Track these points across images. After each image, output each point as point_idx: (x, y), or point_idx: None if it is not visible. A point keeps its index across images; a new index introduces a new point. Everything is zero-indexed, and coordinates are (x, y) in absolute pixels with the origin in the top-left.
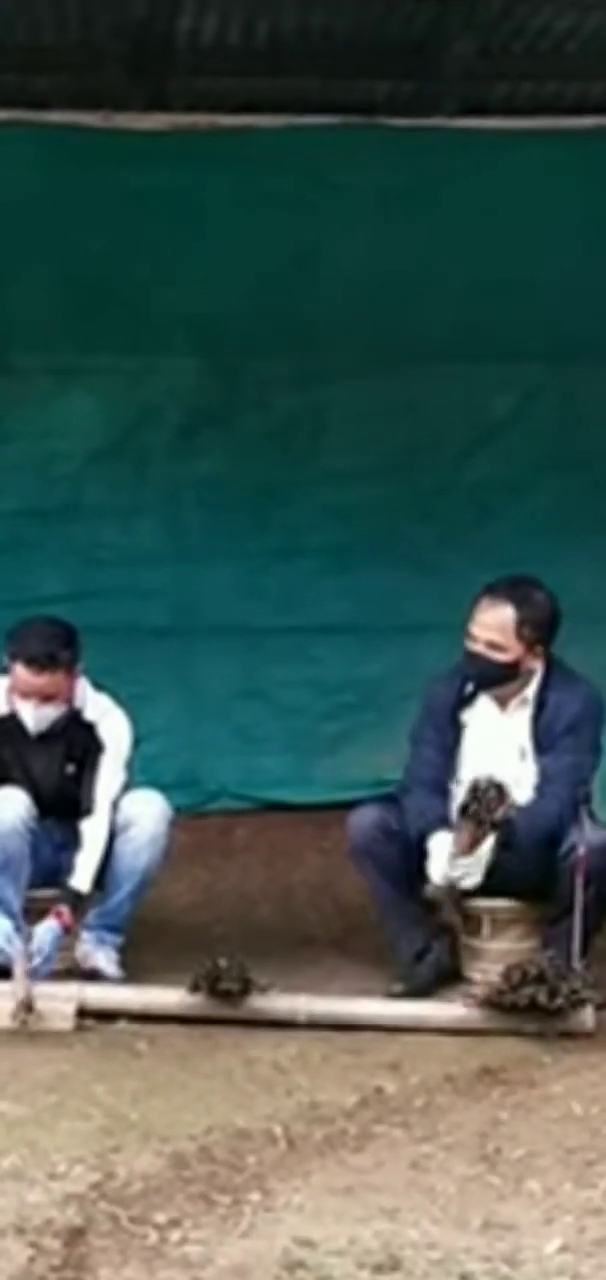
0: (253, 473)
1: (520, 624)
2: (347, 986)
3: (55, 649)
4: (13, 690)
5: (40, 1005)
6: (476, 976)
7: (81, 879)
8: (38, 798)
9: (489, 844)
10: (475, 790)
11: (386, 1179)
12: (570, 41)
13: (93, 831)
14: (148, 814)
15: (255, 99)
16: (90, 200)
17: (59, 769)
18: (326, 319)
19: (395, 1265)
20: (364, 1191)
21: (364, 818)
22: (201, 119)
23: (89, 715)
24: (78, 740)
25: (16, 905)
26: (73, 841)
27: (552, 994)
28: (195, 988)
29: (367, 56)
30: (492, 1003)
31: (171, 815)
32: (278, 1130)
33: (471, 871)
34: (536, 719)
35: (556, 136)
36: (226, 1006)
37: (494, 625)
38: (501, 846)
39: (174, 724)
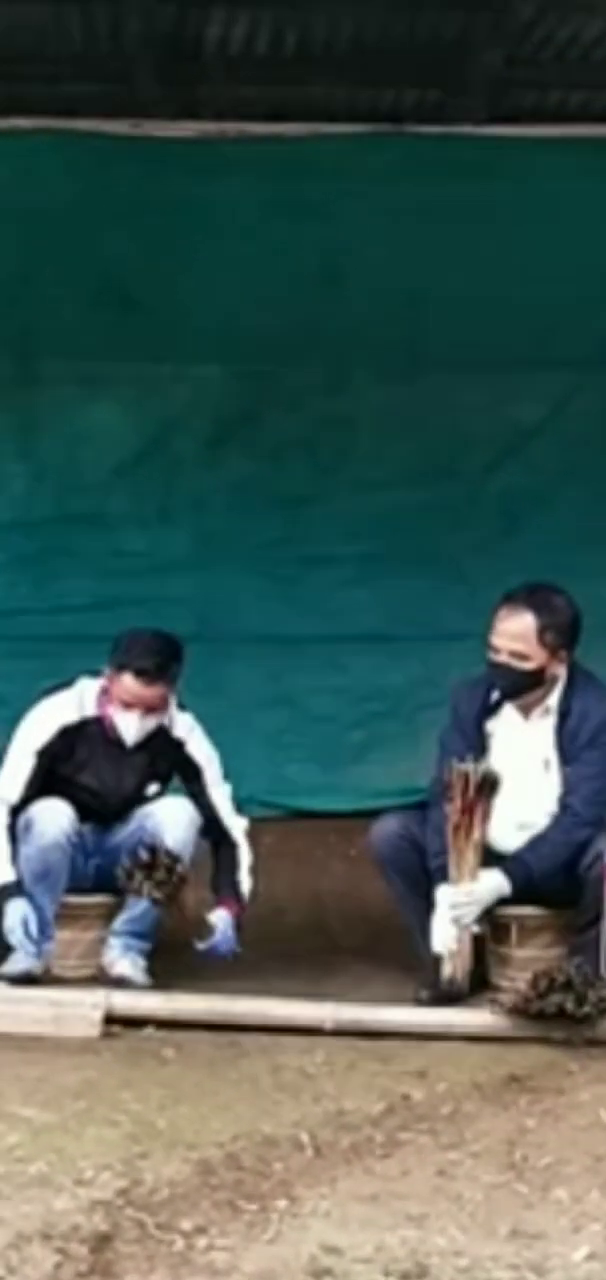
0: (280, 481)
1: (542, 630)
2: (374, 994)
3: (165, 660)
4: (113, 699)
5: (66, 1012)
6: (504, 984)
7: (246, 887)
8: (99, 803)
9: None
10: None
11: (413, 1186)
12: (598, 49)
13: (244, 856)
14: (174, 822)
15: (283, 107)
16: (118, 208)
17: (136, 781)
18: (355, 327)
19: (422, 1273)
20: (391, 1199)
21: (386, 827)
22: (230, 127)
23: (177, 733)
24: (164, 756)
25: (50, 914)
26: (103, 849)
27: (580, 1001)
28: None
29: (395, 64)
30: (520, 1010)
31: (199, 823)
32: (304, 1137)
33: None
34: (560, 728)
35: (584, 145)
36: (255, 1012)
37: (516, 634)
38: (526, 888)
39: None
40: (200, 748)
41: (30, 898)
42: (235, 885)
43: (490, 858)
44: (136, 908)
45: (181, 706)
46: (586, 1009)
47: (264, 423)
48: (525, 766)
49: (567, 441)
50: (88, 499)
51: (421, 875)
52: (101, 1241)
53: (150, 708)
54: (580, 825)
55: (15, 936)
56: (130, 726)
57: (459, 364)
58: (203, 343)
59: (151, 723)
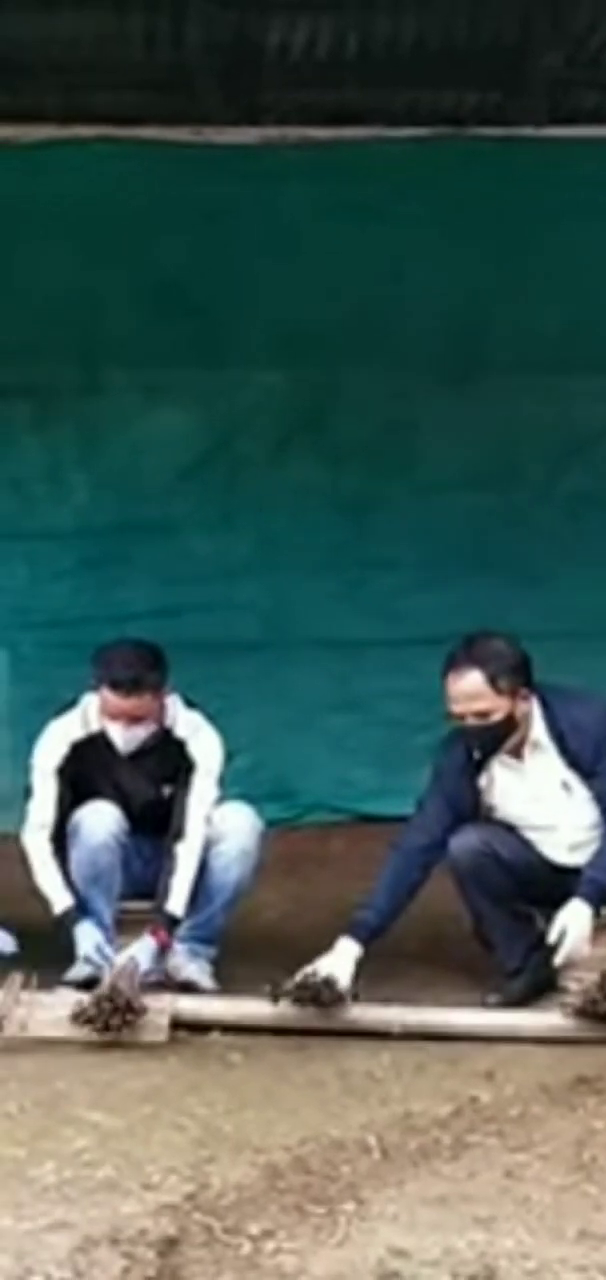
0: (345, 484)
1: (492, 679)
2: (440, 997)
3: (141, 672)
4: (102, 711)
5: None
6: (571, 985)
7: (176, 903)
8: (128, 813)
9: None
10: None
11: (481, 1188)
12: None
13: (186, 854)
14: (238, 827)
15: (344, 111)
16: (181, 215)
17: (150, 787)
18: (418, 330)
19: (490, 1275)
20: (458, 1201)
21: (468, 840)
22: (291, 132)
23: (180, 733)
24: (169, 758)
25: (108, 918)
26: (161, 856)
27: None
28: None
29: (456, 67)
30: (587, 1011)
31: (262, 828)
32: (372, 1140)
33: None
34: (564, 751)
35: None
36: (320, 1017)
37: (470, 694)
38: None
39: (268, 736)
40: (200, 747)
41: (88, 909)
42: (167, 895)
43: (553, 872)
44: (202, 913)
45: (190, 704)
46: None
47: (326, 427)
48: (543, 797)
49: None
50: (151, 506)
51: (502, 885)
52: (169, 1245)
53: (134, 717)
54: None
55: (91, 962)
56: (119, 736)
57: (520, 367)
58: (265, 348)
59: (141, 732)
